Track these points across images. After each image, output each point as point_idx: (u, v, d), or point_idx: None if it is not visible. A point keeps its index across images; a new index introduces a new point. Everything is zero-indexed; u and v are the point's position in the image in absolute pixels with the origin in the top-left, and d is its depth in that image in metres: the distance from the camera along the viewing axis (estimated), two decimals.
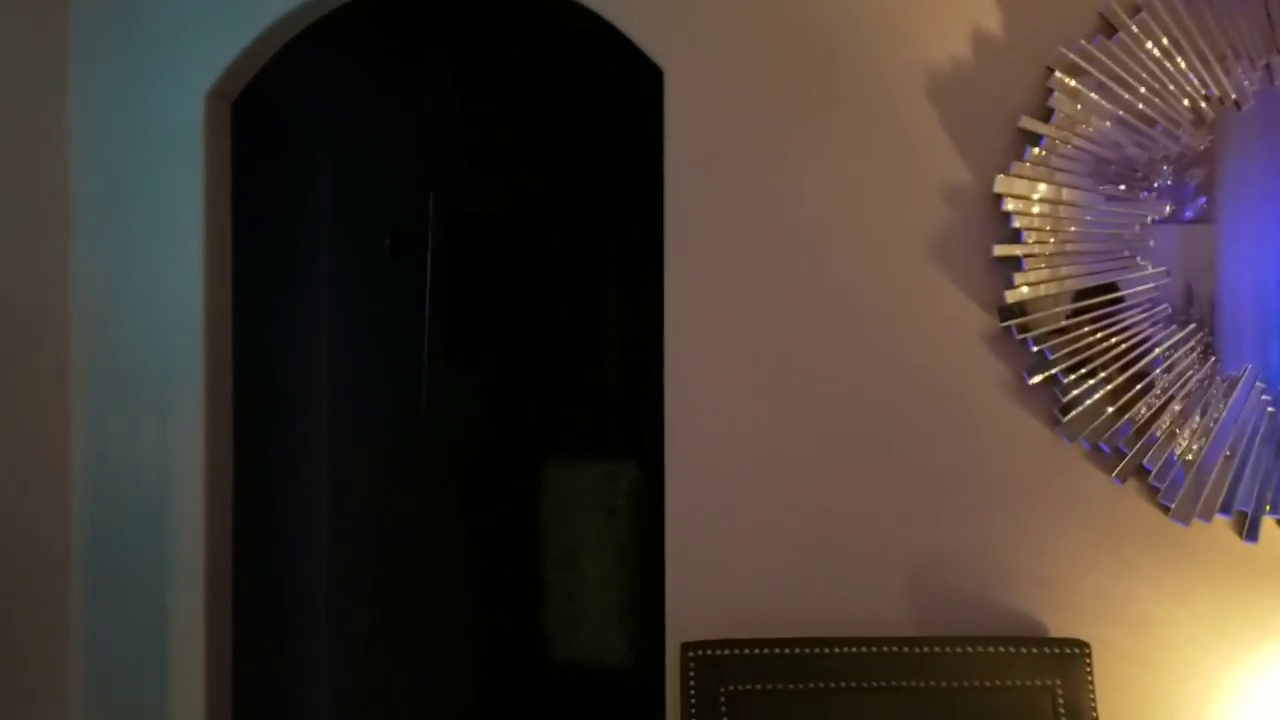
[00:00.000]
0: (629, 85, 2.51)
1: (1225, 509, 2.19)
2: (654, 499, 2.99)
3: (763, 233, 2.37)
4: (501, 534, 3.66)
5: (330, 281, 3.53)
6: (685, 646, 2.17)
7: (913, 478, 2.34)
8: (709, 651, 2.16)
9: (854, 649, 2.19)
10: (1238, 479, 2.17)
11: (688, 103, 2.39)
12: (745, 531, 2.38)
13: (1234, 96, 2.17)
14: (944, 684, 2.17)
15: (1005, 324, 2.27)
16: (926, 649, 2.19)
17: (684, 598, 2.37)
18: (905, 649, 2.19)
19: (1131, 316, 2.22)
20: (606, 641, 3.66)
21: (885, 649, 2.19)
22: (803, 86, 2.35)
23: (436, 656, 3.59)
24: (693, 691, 2.14)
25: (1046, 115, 2.24)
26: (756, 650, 2.17)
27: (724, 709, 2.12)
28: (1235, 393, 2.17)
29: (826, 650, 2.18)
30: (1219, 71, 2.17)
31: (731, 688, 2.14)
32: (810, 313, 2.37)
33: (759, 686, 2.15)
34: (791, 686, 2.15)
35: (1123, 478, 2.24)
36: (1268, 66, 2.16)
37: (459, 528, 3.65)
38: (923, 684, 2.16)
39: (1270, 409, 2.16)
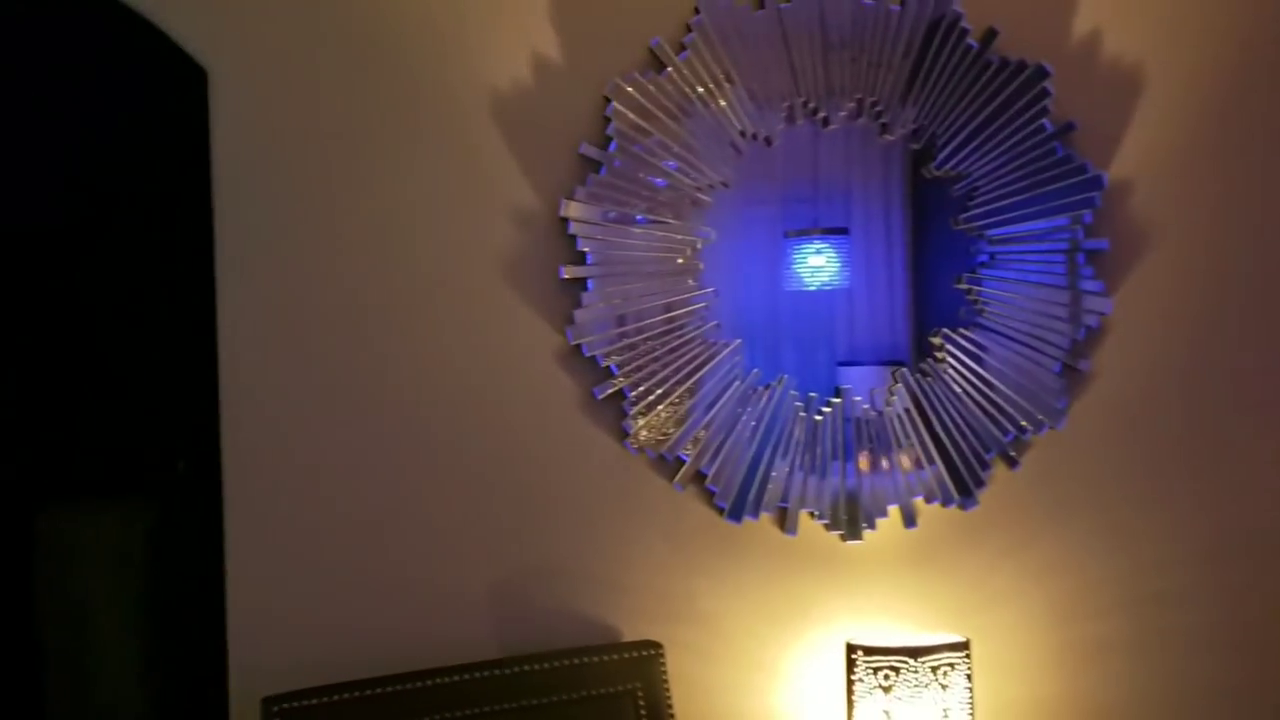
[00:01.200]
0: (176, 89, 2.26)
1: (769, 507, 2.41)
2: (182, 541, 2.74)
3: (328, 249, 2.25)
4: None
5: None
6: (268, 701, 2.00)
7: (489, 496, 2.34)
8: (293, 704, 2.00)
9: (443, 680, 2.13)
10: (778, 479, 2.40)
11: (236, 108, 2.20)
12: (317, 562, 2.25)
13: (765, 134, 2.40)
14: (534, 701, 2.18)
15: (575, 343, 2.33)
16: (514, 669, 2.19)
17: (251, 644, 2.18)
18: (494, 671, 2.17)
19: (685, 334, 2.38)
20: (127, 707, 3.28)
21: (474, 675, 2.16)
22: (369, 99, 2.26)
23: None
24: None
25: (606, 143, 2.34)
26: (343, 695, 2.05)
27: None
28: (773, 400, 2.40)
29: (416, 685, 2.11)
30: (753, 110, 2.39)
31: None
32: (380, 333, 2.29)
33: None
34: None
35: (683, 484, 2.39)
36: (790, 108, 2.41)
37: None
38: (513, 705, 2.16)
39: (802, 414, 2.41)
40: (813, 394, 2.42)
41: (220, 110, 2.19)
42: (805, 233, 2.44)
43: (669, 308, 2.37)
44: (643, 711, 2.24)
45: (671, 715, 2.26)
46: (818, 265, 2.44)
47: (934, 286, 2.50)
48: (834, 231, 2.44)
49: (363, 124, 2.25)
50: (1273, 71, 2.54)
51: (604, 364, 2.35)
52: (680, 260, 2.36)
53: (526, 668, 2.19)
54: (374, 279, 2.28)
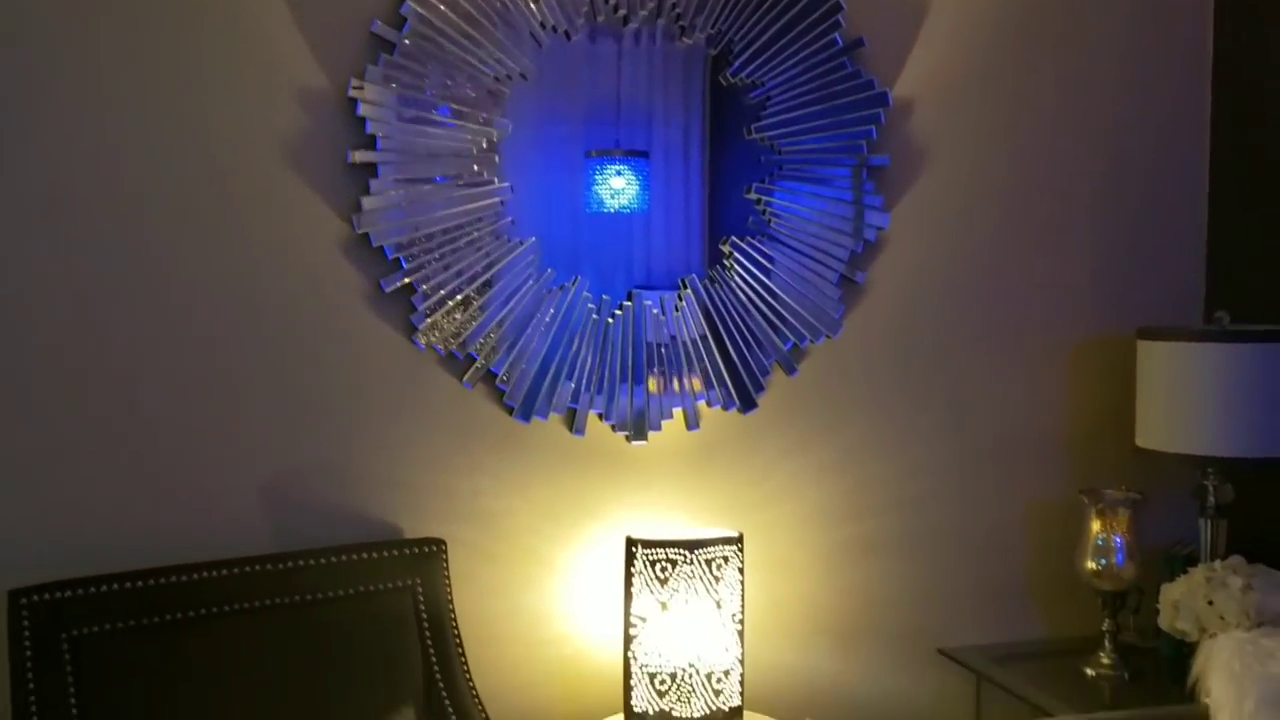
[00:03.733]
0: None
1: (558, 408, 2.41)
2: None
3: (93, 124, 2.09)
4: None
5: None
6: (15, 594, 1.86)
7: (268, 389, 2.24)
8: (43, 596, 1.87)
9: (211, 573, 2.05)
10: (568, 380, 2.40)
11: None
12: (80, 456, 2.12)
13: (565, 28, 2.37)
14: (309, 596, 2.12)
15: (361, 231, 2.25)
16: (288, 564, 2.12)
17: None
18: (266, 566, 2.10)
19: (479, 229, 2.33)
20: None
21: (245, 569, 2.08)
22: None
23: None
24: (28, 644, 1.83)
25: (400, 23, 2.25)
26: (102, 588, 1.93)
27: (68, 658, 1.85)
28: (566, 300, 2.40)
29: (181, 578, 2.02)
30: (553, 2, 2.34)
31: (75, 632, 1.88)
32: (152, 220, 2.16)
33: (108, 627, 1.91)
34: (146, 621, 1.95)
35: (472, 382, 2.36)
36: (591, 2, 2.37)
37: None
38: (288, 600, 2.10)
39: (594, 316, 2.41)
40: (606, 296, 2.42)
41: None
42: (607, 154, 2.43)
43: (463, 200, 2.31)
44: (423, 608, 2.22)
45: (452, 612, 2.24)
46: (618, 187, 2.44)
47: (730, 198, 2.54)
48: (635, 154, 2.44)
49: None
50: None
51: (393, 256, 2.28)
52: (475, 151, 2.31)
53: (301, 563, 2.13)
54: (143, 158, 2.13)
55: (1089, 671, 2.44)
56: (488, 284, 2.34)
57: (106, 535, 2.11)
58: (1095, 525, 2.45)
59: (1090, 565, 2.45)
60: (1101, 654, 2.45)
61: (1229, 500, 2.38)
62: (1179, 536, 2.54)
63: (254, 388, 2.23)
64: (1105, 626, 2.46)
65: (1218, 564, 2.27)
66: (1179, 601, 2.26)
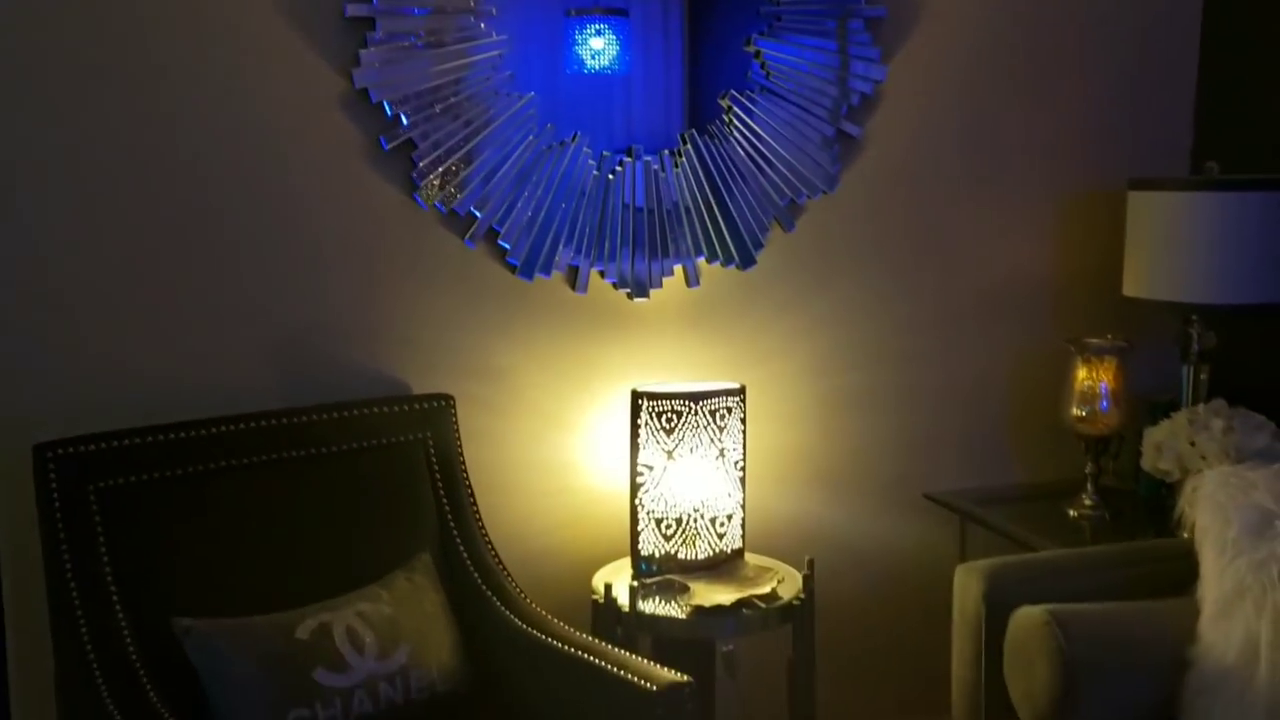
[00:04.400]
0: None
1: (561, 265, 2.43)
2: None
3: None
4: None
5: None
6: (40, 448, 1.88)
7: (271, 248, 2.25)
8: (70, 450, 1.90)
9: (229, 427, 2.08)
10: (570, 237, 2.42)
11: None
12: (91, 312, 2.14)
13: None
14: (323, 450, 2.16)
15: (360, 87, 2.23)
16: (302, 419, 2.16)
17: (20, 395, 2.07)
18: (281, 420, 2.14)
19: (478, 85, 2.31)
20: None
21: (261, 423, 2.12)
22: None
23: None
24: (55, 496, 1.87)
25: None
26: (124, 441, 1.96)
27: (95, 509, 1.89)
28: (566, 157, 2.40)
29: (200, 432, 2.04)
30: None
31: (101, 484, 1.92)
32: (149, 81, 2.12)
33: (132, 479, 1.95)
34: (168, 474, 1.99)
35: (475, 240, 2.37)
36: None
37: None
38: (302, 453, 2.14)
39: (595, 172, 2.42)
40: (606, 152, 2.42)
41: None
42: (586, 12, 2.40)
43: (461, 54, 2.29)
44: (435, 460, 2.27)
45: (463, 464, 2.30)
46: (598, 48, 2.41)
47: (715, 57, 2.53)
48: (614, 13, 2.41)
49: None
50: None
51: (392, 113, 2.26)
52: (473, 3, 2.27)
53: (314, 417, 2.17)
54: (141, 21, 2.09)
55: (1071, 512, 2.56)
56: (488, 140, 2.33)
57: (128, 393, 2.13)
58: (1080, 373, 2.53)
59: (1075, 412, 2.54)
60: (1084, 496, 2.56)
61: (1211, 346, 2.46)
62: (1161, 384, 2.63)
63: (260, 248, 2.24)
64: (1088, 470, 2.56)
65: (1200, 407, 2.37)
66: (1162, 443, 2.35)
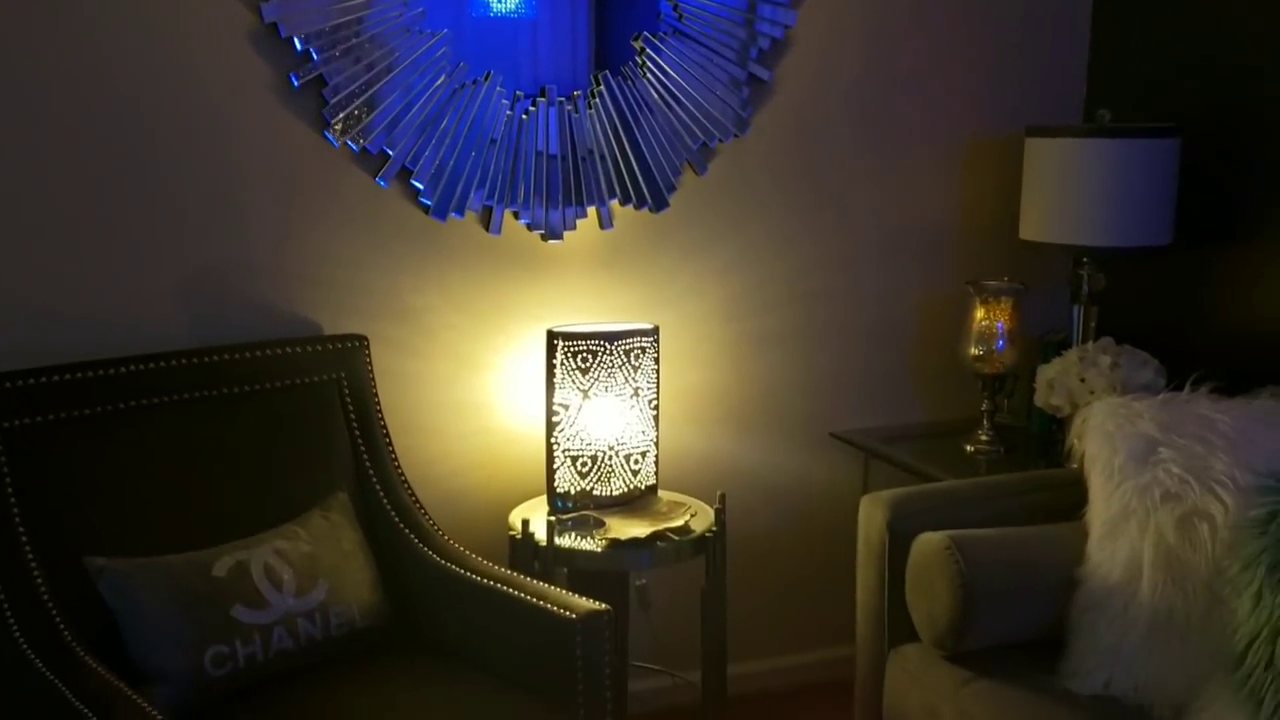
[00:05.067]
0: None
1: (474, 206, 2.43)
2: None
3: None
4: None
5: None
6: None
7: (179, 185, 2.22)
8: None
9: (137, 366, 2.05)
10: (483, 178, 2.42)
11: None
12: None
13: None
14: (235, 390, 2.15)
15: (270, 21, 2.19)
16: (212, 358, 2.14)
17: None
18: (191, 360, 2.11)
19: (389, 23, 2.29)
20: None
21: (171, 363, 2.09)
22: None
23: None
24: None
25: None
26: (31, 381, 1.92)
27: (2, 449, 1.86)
28: (479, 97, 2.39)
29: (108, 371, 2.02)
30: None
31: (7, 425, 1.88)
32: (49, 12, 2.04)
33: (39, 419, 1.92)
34: (76, 414, 1.96)
35: (387, 180, 2.36)
36: None
37: None
38: (213, 393, 2.12)
39: (508, 112, 2.42)
40: (520, 93, 2.42)
41: None
42: None
43: None
44: (349, 401, 2.27)
45: (378, 404, 2.30)
46: None
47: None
48: None
49: None
50: None
51: (302, 48, 2.23)
52: None
53: (227, 356, 2.15)
54: None
55: (968, 448, 2.66)
56: (399, 78, 2.31)
57: (35, 333, 2.09)
58: (979, 313, 2.63)
59: (973, 351, 2.64)
60: (980, 432, 2.67)
61: (1101, 288, 2.57)
62: (1053, 325, 2.74)
63: (167, 184, 2.20)
64: (984, 408, 2.67)
65: (1089, 345, 2.48)
66: (1054, 379, 2.47)
